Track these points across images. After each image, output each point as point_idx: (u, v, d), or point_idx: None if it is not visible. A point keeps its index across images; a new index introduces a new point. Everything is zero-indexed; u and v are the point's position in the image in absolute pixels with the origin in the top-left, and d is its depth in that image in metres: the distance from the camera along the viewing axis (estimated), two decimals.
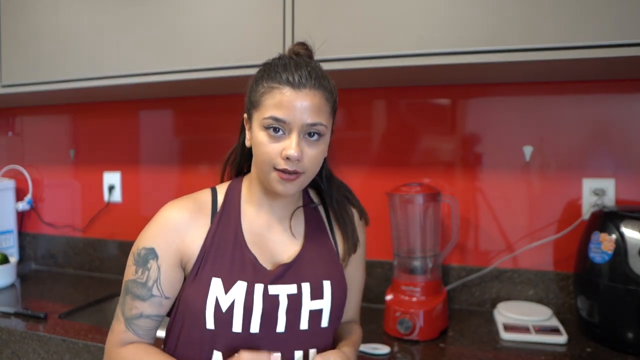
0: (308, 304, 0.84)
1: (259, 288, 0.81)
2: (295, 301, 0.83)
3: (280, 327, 0.82)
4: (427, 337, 1.23)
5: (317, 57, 1.21)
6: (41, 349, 1.24)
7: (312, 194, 0.98)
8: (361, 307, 1.06)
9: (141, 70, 1.39)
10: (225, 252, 0.84)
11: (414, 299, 1.27)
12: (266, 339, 0.81)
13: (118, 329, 0.84)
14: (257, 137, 0.81)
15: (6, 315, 1.37)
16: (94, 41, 1.44)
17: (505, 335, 1.21)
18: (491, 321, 1.35)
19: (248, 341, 0.80)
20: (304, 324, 0.84)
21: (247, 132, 0.88)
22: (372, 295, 1.55)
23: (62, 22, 1.48)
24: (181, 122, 1.81)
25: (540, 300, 1.41)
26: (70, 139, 1.98)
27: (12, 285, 1.72)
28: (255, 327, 0.81)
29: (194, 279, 0.83)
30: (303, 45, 0.88)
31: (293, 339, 0.83)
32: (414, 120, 1.53)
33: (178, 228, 0.84)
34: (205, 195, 0.90)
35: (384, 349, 1.16)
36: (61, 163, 2.00)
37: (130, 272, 0.84)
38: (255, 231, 0.87)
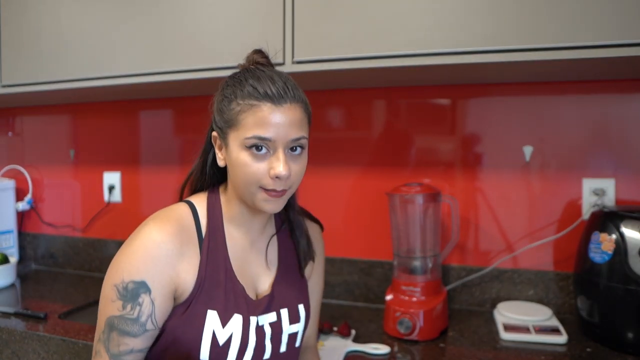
0: (287, 329, 0.87)
1: (253, 321, 0.82)
2: (276, 328, 0.85)
3: (267, 354, 0.84)
4: (427, 337, 1.23)
5: (317, 57, 1.22)
6: (41, 349, 1.24)
7: None
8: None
9: (141, 70, 1.39)
10: (219, 283, 0.80)
11: (414, 299, 1.27)
12: None
13: None
14: (239, 157, 0.76)
15: (6, 315, 1.37)
16: (94, 41, 1.44)
17: (505, 335, 1.21)
18: (491, 321, 1.35)
19: None
20: (283, 347, 0.87)
21: (217, 152, 0.83)
22: (372, 295, 1.55)
23: (62, 22, 1.48)
24: (181, 122, 1.81)
25: (540, 300, 1.41)
26: (70, 139, 1.98)
27: (12, 285, 1.72)
28: (247, 358, 0.82)
29: (186, 310, 0.77)
30: (261, 53, 0.85)
31: None
32: (414, 120, 1.53)
33: (169, 258, 0.76)
34: (186, 214, 0.82)
35: (384, 349, 1.16)
36: (61, 163, 2.00)
37: (115, 307, 0.74)
38: (239, 256, 0.84)
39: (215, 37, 1.31)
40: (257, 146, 0.75)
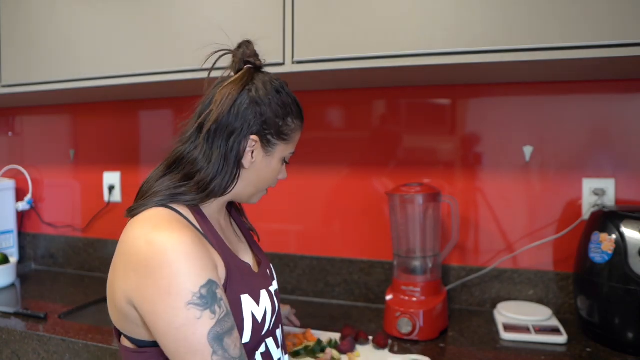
0: (273, 286, 0.93)
1: (271, 290, 0.90)
2: (276, 293, 0.93)
3: (275, 314, 0.90)
4: (427, 337, 1.23)
5: (317, 57, 1.22)
6: (41, 349, 1.24)
7: None
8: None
9: (141, 70, 1.39)
10: (235, 269, 0.82)
11: (414, 299, 1.27)
12: (272, 330, 0.88)
13: None
14: (277, 166, 0.88)
15: (6, 315, 1.37)
16: (93, 41, 1.44)
17: (505, 335, 1.21)
18: (491, 321, 1.35)
19: (266, 337, 0.86)
20: (277, 304, 0.92)
21: (247, 154, 0.82)
22: (372, 295, 1.55)
23: (62, 23, 1.49)
24: (181, 122, 1.81)
25: (540, 300, 1.41)
26: (70, 139, 1.98)
27: (12, 285, 1.72)
28: (272, 325, 0.88)
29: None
30: (251, 44, 0.96)
31: (279, 319, 0.93)
32: (414, 120, 1.53)
33: (205, 251, 0.74)
34: (174, 215, 0.78)
35: None
36: (61, 163, 2.00)
37: (206, 319, 0.69)
38: (228, 241, 0.88)
39: (215, 37, 1.30)
40: (288, 159, 0.91)
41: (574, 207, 1.39)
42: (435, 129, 1.51)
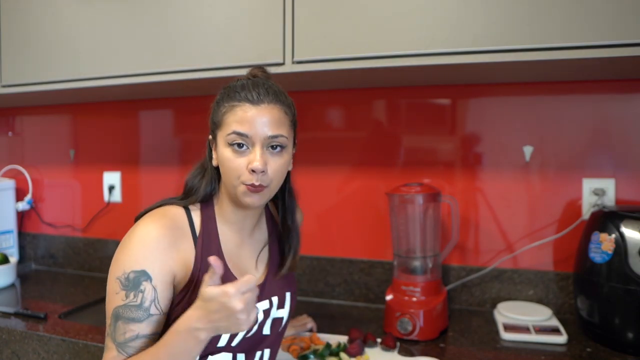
0: (273, 313, 0.93)
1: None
2: (266, 314, 0.92)
3: (250, 334, 0.89)
4: (427, 337, 1.23)
5: (317, 57, 1.22)
6: (41, 349, 1.24)
7: (270, 206, 1.05)
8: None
9: (141, 70, 1.39)
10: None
11: (414, 299, 1.27)
12: (238, 346, 0.88)
13: (109, 357, 0.79)
14: (223, 154, 0.84)
15: (6, 315, 1.37)
16: (94, 41, 1.44)
17: (505, 335, 1.21)
18: (491, 321, 1.35)
19: (226, 350, 0.87)
20: (266, 330, 0.92)
21: (213, 153, 0.89)
22: (372, 295, 1.55)
23: (62, 22, 1.48)
24: (181, 122, 1.81)
25: (540, 300, 1.41)
26: (70, 139, 1.98)
27: (12, 285, 1.72)
28: (235, 342, 0.87)
29: (182, 301, 0.82)
30: (261, 69, 0.93)
31: (257, 342, 0.91)
32: (414, 120, 1.53)
33: (166, 249, 0.81)
34: (180, 213, 0.87)
35: None
36: (61, 163, 2.00)
37: (119, 298, 0.79)
38: (232, 251, 0.90)
39: (215, 38, 1.31)
40: (239, 144, 0.82)
41: (574, 207, 1.39)
42: (435, 129, 1.51)
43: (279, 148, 0.85)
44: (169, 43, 1.35)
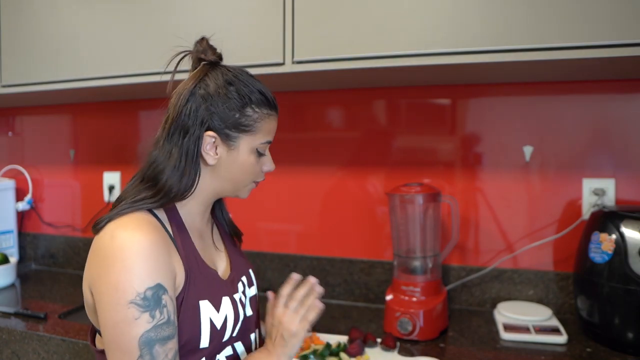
0: (248, 292, 0.93)
1: (236, 298, 0.88)
2: (244, 294, 0.92)
3: (240, 320, 0.89)
4: (427, 337, 1.23)
5: (317, 57, 1.22)
6: (41, 349, 1.24)
7: None
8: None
9: (141, 70, 1.39)
10: (199, 274, 0.82)
11: (414, 299, 1.27)
12: (237, 336, 0.88)
13: None
14: (248, 159, 0.85)
15: (6, 315, 1.37)
16: (93, 41, 1.44)
17: (505, 335, 1.21)
18: (491, 321, 1.35)
19: (231, 342, 0.86)
20: (249, 311, 0.91)
21: (208, 151, 0.82)
22: (372, 295, 1.55)
23: (62, 22, 1.48)
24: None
25: (540, 300, 1.41)
26: (70, 139, 1.98)
27: (12, 285, 1.72)
28: (235, 332, 0.87)
29: (180, 305, 0.78)
30: (206, 41, 0.95)
31: (247, 326, 0.90)
32: (414, 120, 1.53)
33: (164, 254, 0.75)
34: (148, 217, 0.79)
35: None
36: (61, 163, 2.00)
37: (143, 322, 0.70)
38: (200, 247, 0.87)
39: (215, 37, 1.30)
40: (263, 151, 0.86)
41: (574, 207, 1.39)
42: (435, 129, 1.51)
43: None
44: (169, 43, 1.35)
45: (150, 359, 0.70)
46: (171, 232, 0.81)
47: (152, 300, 0.71)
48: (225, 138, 0.82)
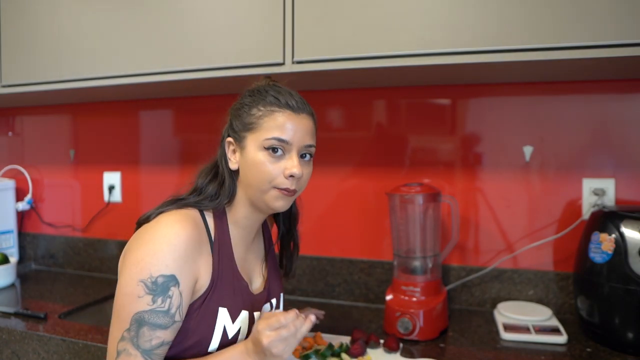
0: (266, 309, 0.96)
1: (255, 315, 0.91)
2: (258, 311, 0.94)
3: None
4: (427, 337, 1.23)
5: (317, 57, 1.22)
6: (41, 349, 1.24)
7: None
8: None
9: (141, 70, 1.39)
10: (228, 282, 0.86)
11: (414, 299, 1.27)
12: None
13: None
14: (256, 157, 0.84)
15: (6, 315, 1.37)
16: (93, 41, 1.44)
17: (505, 335, 1.21)
18: (491, 321, 1.35)
19: None
20: None
21: (230, 157, 0.89)
22: (372, 295, 1.55)
23: (62, 22, 1.48)
24: (181, 122, 1.81)
25: (540, 300, 1.41)
26: (70, 139, 1.98)
27: (12, 285, 1.72)
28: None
29: (201, 306, 0.82)
30: (270, 77, 0.95)
31: None
32: (414, 120, 1.53)
33: (193, 254, 0.80)
34: (197, 216, 0.86)
35: None
36: (61, 163, 2.00)
37: (144, 302, 0.75)
38: (241, 256, 0.91)
39: (215, 37, 1.31)
40: (274, 148, 0.83)
41: (574, 207, 1.39)
42: (435, 129, 1.51)
43: (308, 157, 0.88)
44: (169, 43, 1.35)
45: (134, 335, 0.75)
46: (213, 236, 0.85)
47: (160, 286, 0.75)
48: (238, 141, 0.87)
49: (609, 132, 1.36)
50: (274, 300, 0.98)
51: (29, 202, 2.01)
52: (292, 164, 0.83)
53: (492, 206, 1.46)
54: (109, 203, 1.90)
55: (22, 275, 1.87)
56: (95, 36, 1.44)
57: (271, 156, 0.83)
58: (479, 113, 1.47)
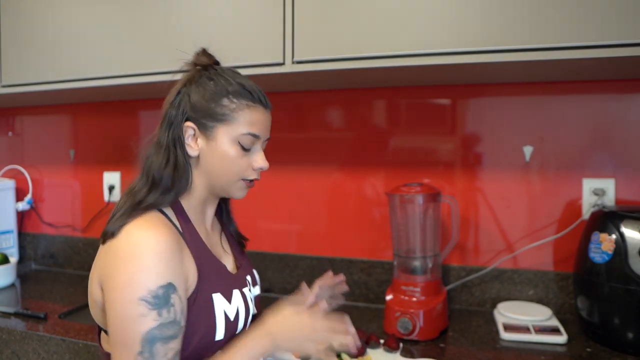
0: (252, 291, 0.95)
1: (245, 292, 0.91)
2: (250, 292, 0.94)
3: (249, 319, 0.91)
4: (427, 337, 1.23)
5: (317, 57, 1.22)
6: (41, 349, 1.24)
7: None
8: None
9: (141, 70, 1.39)
10: (211, 269, 0.85)
11: (414, 299, 1.27)
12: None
13: None
14: (228, 151, 0.84)
15: (6, 315, 1.37)
16: (93, 41, 1.44)
17: (505, 335, 1.21)
18: (491, 321, 1.35)
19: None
20: (253, 309, 0.93)
21: (191, 142, 0.85)
22: (372, 295, 1.55)
23: (61, 23, 1.48)
24: None
25: (540, 300, 1.41)
26: (70, 139, 1.98)
27: (12, 285, 1.72)
28: (247, 325, 0.90)
29: (195, 300, 0.80)
30: (206, 53, 0.94)
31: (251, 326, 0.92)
32: (414, 120, 1.53)
33: (179, 254, 0.78)
34: (162, 218, 0.81)
35: None
36: (61, 163, 2.00)
37: (150, 319, 0.72)
38: (208, 242, 0.90)
39: (215, 37, 1.30)
40: (247, 144, 0.85)
41: (574, 207, 1.39)
42: (435, 129, 1.51)
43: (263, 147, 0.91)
44: (169, 43, 1.35)
45: (149, 356, 0.71)
46: (179, 228, 0.83)
47: (162, 298, 0.73)
48: (203, 128, 0.85)
49: (609, 132, 1.36)
50: (248, 278, 0.95)
51: (29, 202, 2.01)
52: (261, 157, 0.87)
53: (492, 206, 1.46)
54: (109, 203, 1.90)
55: (22, 275, 1.87)
56: (95, 36, 1.44)
57: (243, 150, 0.85)
58: (479, 113, 1.47)
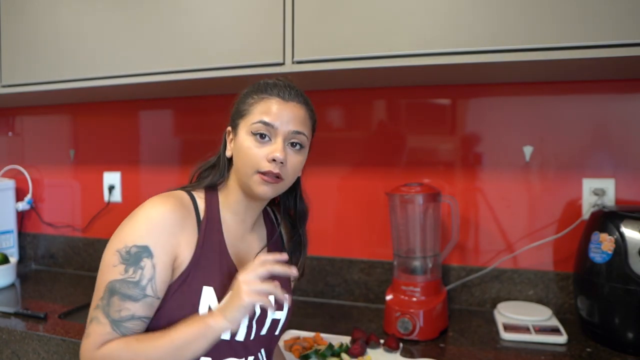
0: (271, 314, 0.91)
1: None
2: (264, 311, 0.88)
3: (250, 335, 0.87)
4: (427, 337, 1.23)
5: (317, 57, 1.22)
6: (41, 349, 1.24)
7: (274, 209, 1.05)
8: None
9: (141, 70, 1.39)
10: (214, 263, 0.85)
11: (414, 299, 1.27)
12: (239, 345, 0.86)
13: (100, 331, 0.77)
14: (244, 142, 0.85)
15: (6, 315, 1.37)
16: (93, 41, 1.44)
17: (505, 335, 1.21)
18: (491, 321, 1.35)
19: (228, 347, 0.84)
20: (264, 331, 0.90)
21: (228, 144, 0.91)
22: (372, 295, 1.55)
23: (62, 22, 1.48)
24: (181, 122, 1.81)
25: (540, 300, 1.41)
26: (70, 139, 1.98)
27: (12, 285, 1.72)
28: (240, 336, 0.85)
29: (181, 285, 0.81)
30: (285, 77, 0.96)
31: (254, 343, 0.89)
32: (414, 120, 1.53)
33: (173, 228, 0.81)
34: (185, 197, 0.87)
35: None
36: (61, 163, 2.00)
37: (117, 271, 0.78)
38: (232, 241, 0.90)
39: (215, 37, 1.31)
40: (262, 134, 0.84)
41: (574, 207, 1.39)
42: (435, 129, 1.51)
43: (298, 146, 0.87)
44: (169, 43, 1.35)
45: (106, 304, 0.77)
46: (202, 215, 0.87)
47: (133, 256, 0.78)
48: (234, 128, 0.89)
49: (609, 132, 1.36)
50: (271, 298, 0.90)
51: (29, 202, 2.01)
52: (275, 147, 0.83)
53: (492, 206, 1.46)
54: (109, 203, 1.90)
55: (22, 275, 1.87)
56: (95, 36, 1.44)
57: (257, 141, 0.84)
58: (479, 113, 1.47)
